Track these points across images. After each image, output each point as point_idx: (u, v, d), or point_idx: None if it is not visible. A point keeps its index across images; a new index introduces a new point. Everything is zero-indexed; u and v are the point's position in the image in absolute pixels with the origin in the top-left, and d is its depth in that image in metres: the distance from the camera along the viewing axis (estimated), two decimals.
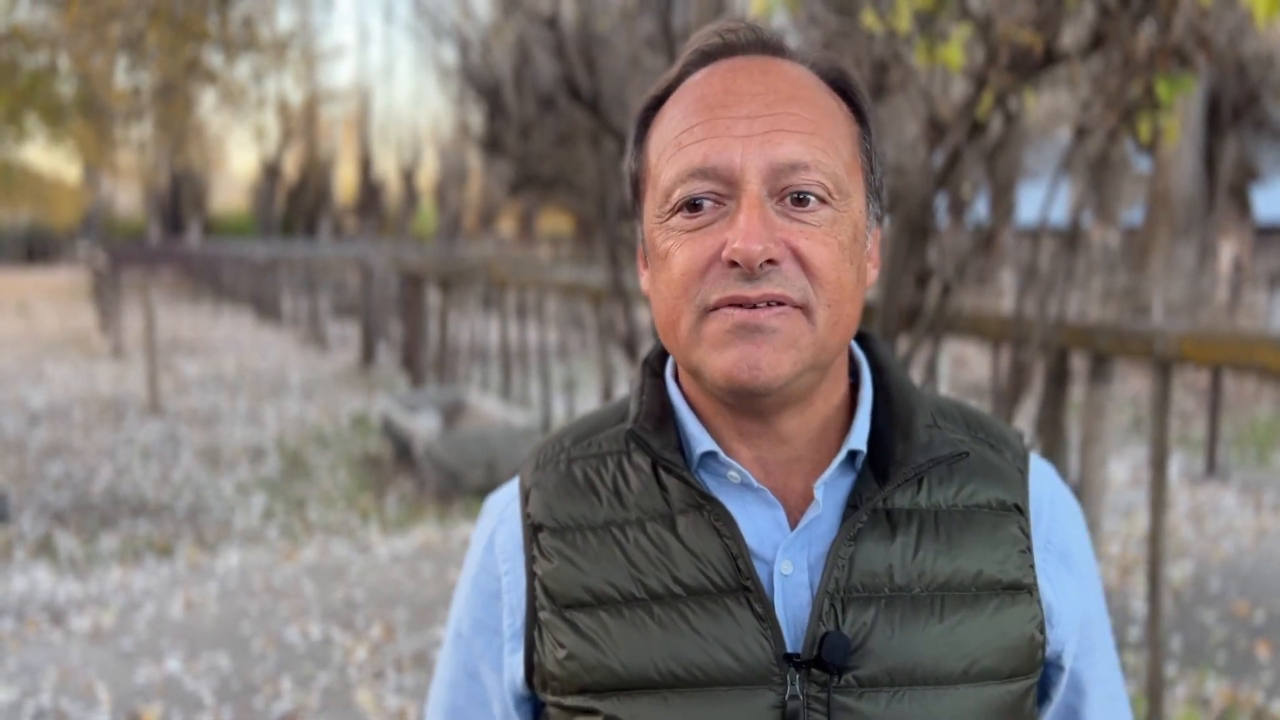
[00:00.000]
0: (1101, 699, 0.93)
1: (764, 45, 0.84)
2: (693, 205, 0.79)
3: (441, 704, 0.95)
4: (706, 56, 0.85)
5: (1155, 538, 3.15)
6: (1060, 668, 0.90)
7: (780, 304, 0.77)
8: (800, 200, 0.78)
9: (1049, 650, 0.88)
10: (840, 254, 0.79)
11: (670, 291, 0.81)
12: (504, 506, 0.95)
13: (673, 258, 0.80)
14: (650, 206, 0.84)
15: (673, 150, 0.81)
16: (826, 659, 0.78)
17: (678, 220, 0.80)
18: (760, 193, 0.77)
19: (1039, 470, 0.92)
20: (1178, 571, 4.69)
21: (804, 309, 0.78)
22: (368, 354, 11.98)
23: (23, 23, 8.09)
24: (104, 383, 11.01)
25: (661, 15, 4.07)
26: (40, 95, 8.32)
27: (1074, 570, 0.91)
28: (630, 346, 4.96)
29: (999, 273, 12.44)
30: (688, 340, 0.80)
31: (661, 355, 0.93)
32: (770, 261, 0.76)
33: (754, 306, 0.77)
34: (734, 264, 0.76)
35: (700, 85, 0.82)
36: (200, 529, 5.68)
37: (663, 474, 0.86)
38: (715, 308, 0.78)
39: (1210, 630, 4.07)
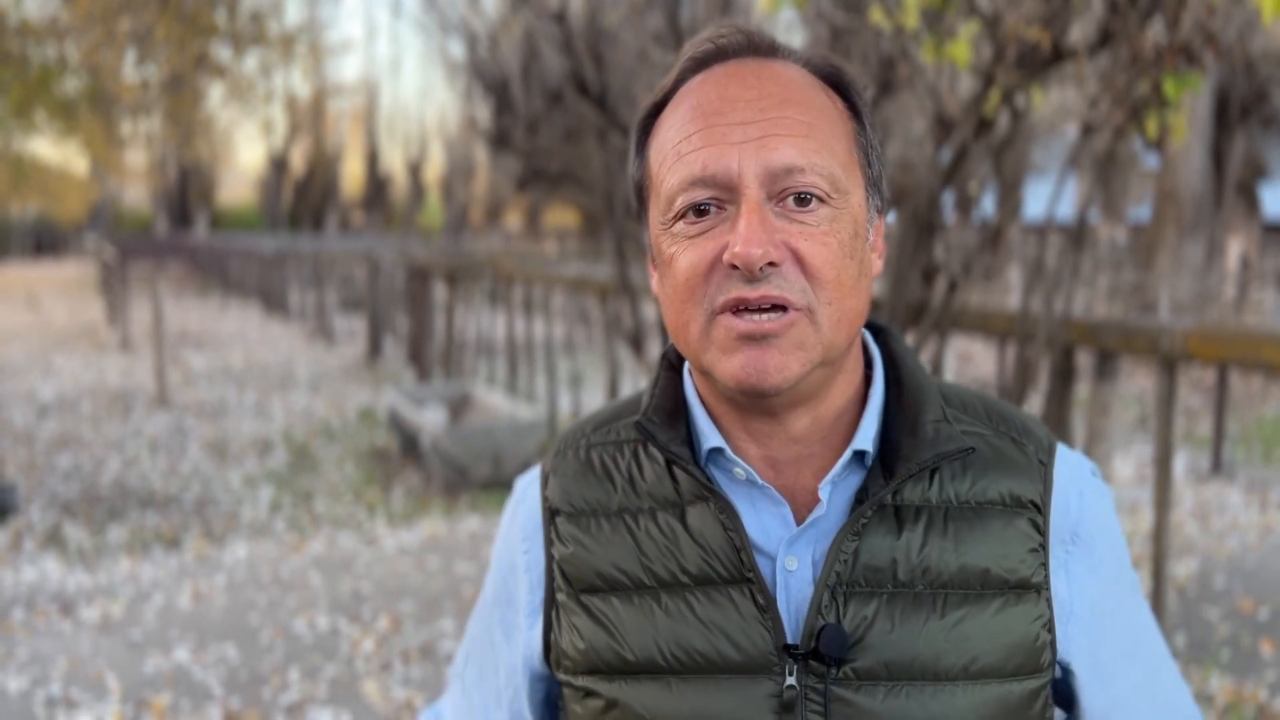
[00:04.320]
0: (1141, 687, 0.91)
1: (755, 48, 0.86)
2: (695, 211, 0.81)
3: (473, 655, 1.01)
4: (700, 63, 0.86)
5: (1160, 535, 3.17)
6: (1071, 671, 0.88)
7: (783, 308, 0.79)
8: (799, 200, 0.80)
9: (1060, 650, 0.87)
10: (840, 251, 0.80)
11: (677, 295, 0.83)
12: (526, 488, 0.98)
13: (677, 262, 0.82)
14: (655, 214, 0.86)
15: (673, 159, 0.83)
16: (824, 651, 0.80)
17: (681, 226, 0.82)
18: (759, 196, 0.79)
19: (1066, 461, 0.90)
20: (1182, 568, 4.70)
21: (806, 311, 0.79)
22: (374, 348, 12.01)
23: (32, 17, 8.12)
24: (112, 375, 11.05)
25: (669, 10, 4.08)
26: (49, 89, 8.35)
27: (1102, 561, 0.89)
28: (636, 341, 4.97)
29: (1005, 269, 12.41)
30: (698, 343, 0.82)
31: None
32: (771, 264, 0.78)
33: (758, 311, 0.79)
34: (735, 266, 0.78)
35: (695, 93, 0.84)
36: (208, 521, 5.71)
37: (674, 465, 0.88)
38: (721, 311, 0.80)
39: (1214, 627, 4.07)
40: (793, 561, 0.83)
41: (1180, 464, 6.56)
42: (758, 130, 0.80)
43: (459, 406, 7.27)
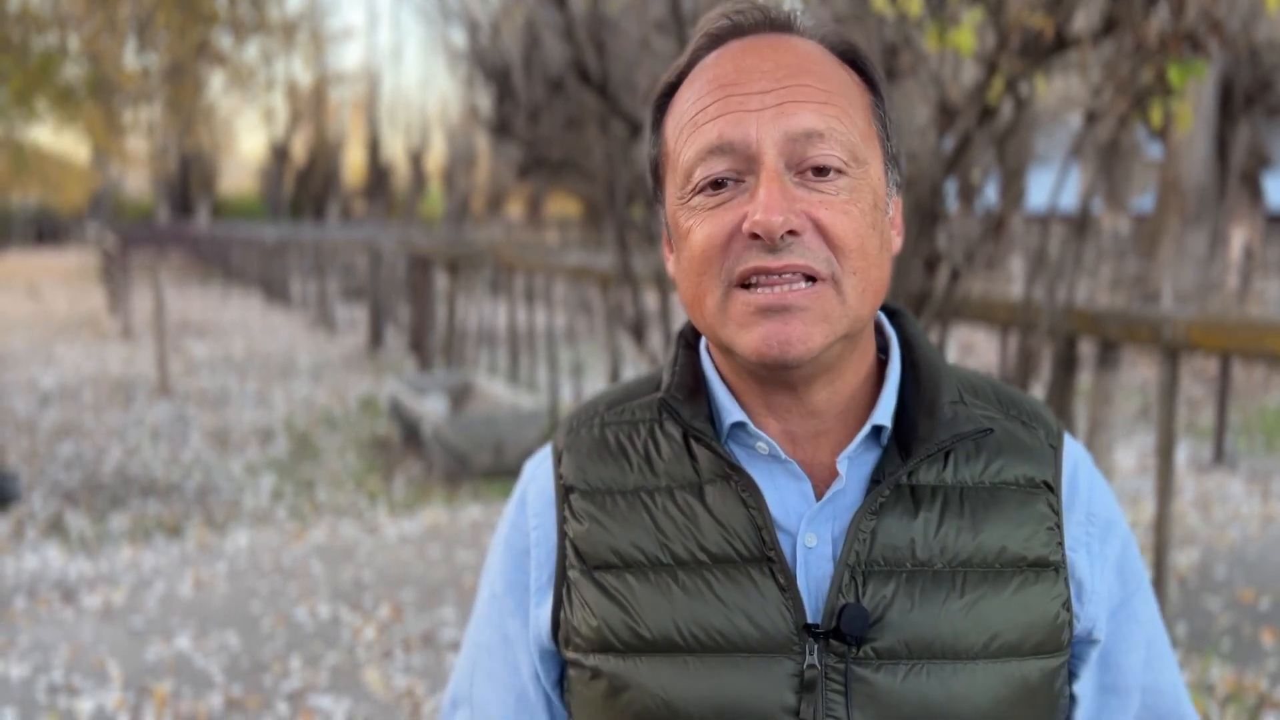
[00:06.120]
0: (1165, 678, 0.92)
1: (772, 23, 0.85)
2: (714, 184, 0.80)
3: (479, 666, 0.95)
4: (716, 39, 0.86)
5: (1161, 524, 3.17)
6: (1094, 642, 0.89)
7: (808, 279, 0.78)
8: (818, 171, 0.79)
9: (1079, 628, 0.87)
10: (862, 221, 0.80)
11: (692, 268, 0.82)
12: (536, 467, 0.97)
13: (693, 235, 0.81)
14: (672, 189, 0.85)
15: (689, 131, 0.82)
16: (845, 630, 0.80)
17: (699, 200, 0.81)
18: (778, 164, 0.78)
19: (1072, 446, 0.92)
20: (1184, 558, 4.70)
21: (832, 281, 0.79)
22: (376, 337, 12.01)
23: (33, 4, 8.09)
24: (113, 364, 11.05)
25: None
26: (50, 77, 8.33)
27: (1118, 539, 0.91)
28: (638, 331, 4.96)
29: (1008, 258, 12.39)
30: (715, 317, 0.81)
31: (696, 327, 0.93)
32: (792, 233, 0.77)
33: (779, 277, 0.78)
34: (755, 236, 0.77)
35: (712, 67, 0.84)
36: (209, 509, 5.72)
37: (693, 443, 0.88)
38: (740, 282, 0.79)
39: (1215, 617, 4.07)
40: (812, 538, 0.83)
41: (1182, 454, 6.55)
42: (775, 98, 0.79)
43: (460, 396, 7.27)
